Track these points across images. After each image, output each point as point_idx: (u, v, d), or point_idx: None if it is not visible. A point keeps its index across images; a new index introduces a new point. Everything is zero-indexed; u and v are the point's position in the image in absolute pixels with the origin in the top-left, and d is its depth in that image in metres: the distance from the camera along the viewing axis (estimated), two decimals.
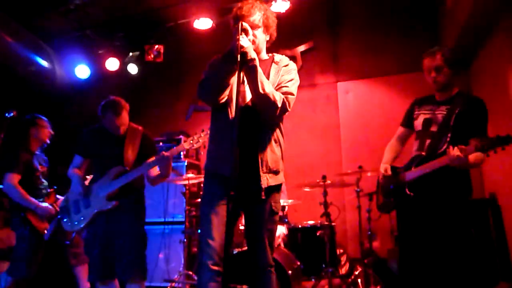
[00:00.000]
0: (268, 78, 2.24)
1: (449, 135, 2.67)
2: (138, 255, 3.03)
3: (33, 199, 3.50)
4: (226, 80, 2.18)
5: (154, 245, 4.70)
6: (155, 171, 3.15)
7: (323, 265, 3.89)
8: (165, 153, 2.94)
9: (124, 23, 5.78)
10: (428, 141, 2.76)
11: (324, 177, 4.12)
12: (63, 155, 3.82)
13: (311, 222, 4.13)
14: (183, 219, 4.65)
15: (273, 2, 4.84)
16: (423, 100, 2.95)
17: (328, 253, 3.90)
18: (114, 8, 5.51)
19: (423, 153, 2.75)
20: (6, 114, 3.24)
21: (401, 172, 2.87)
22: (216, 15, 5.32)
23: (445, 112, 2.74)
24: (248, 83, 2.16)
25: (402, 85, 5.15)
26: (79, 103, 6.13)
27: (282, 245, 3.95)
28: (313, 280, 3.89)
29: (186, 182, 4.37)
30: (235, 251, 3.42)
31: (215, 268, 2.10)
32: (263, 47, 2.38)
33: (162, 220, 4.89)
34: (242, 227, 3.58)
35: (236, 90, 1.93)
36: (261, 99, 2.13)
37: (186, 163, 5.11)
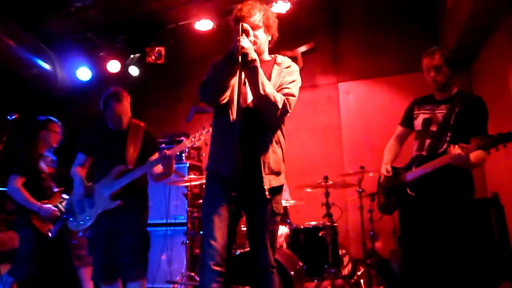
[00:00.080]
0: (269, 79, 2.24)
1: (449, 134, 2.67)
2: (140, 253, 3.04)
3: (36, 201, 3.52)
4: (227, 81, 2.18)
5: (156, 247, 4.70)
6: (158, 168, 3.15)
7: (326, 266, 3.89)
8: (167, 152, 2.94)
9: (125, 25, 5.80)
10: (428, 141, 2.76)
11: (325, 178, 4.11)
12: (64, 157, 3.84)
13: (313, 222, 4.12)
14: (185, 221, 4.65)
15: (273, 3, 4.85)
16: (423, 99, 2.95)
17: (330, 254, 3.90)
18: (115, 10, 5.51)
19: (424, 153, 2.75)
20: (8, 117, 3.26)
21: (401, 173, 2.87)
22: (217, 16, 5.33)
23: (445, 112, 2.74)
24: (249, 84, 2.16)
25: (403, 85, 5.15)
26: (81, 105, 6.15)
27: (284, 245, 3.95)
28: (315, 281, 3.89)
29: (188, 183, 4.37)
30: (237, 252, 3.42)
31: (217, 268, 2.10)
32: (265, 47, 2.38)
33: (164, 221, 4.89)
34: (244, 228, 3.58)
35: (237, 91, 1.94)
36: (262, 100, 2.13)
37: (188, 165, 5.12)
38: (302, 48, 5.80)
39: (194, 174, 4.85)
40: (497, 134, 2.33)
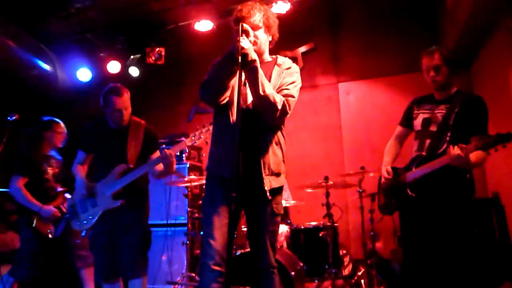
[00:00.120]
0: (269, 80, 2.24)
1: (448, 134, 2.66)
2: (142, 252, 3.07)
3: (37, 202, 3.53)
4: (227, 81, 2.18)
5: (157, 248, 4.70)
6: (160, 166, 3.16)
7: (326, 266, 3.89)
8: (168, 151, 2.94)
9: (125, 26, 5.80)
10: (428, 141, 2.75)
11: (326, 178, 4.11)
12: (65, 159, 3.84)
13: (313, 223, 4.12)
14: (185, 221, 4.65)
15: (273, 4, 4.85)
16: (422, 99, 2.94)
17: (331, 254, 3.90)
18: (115, 11, 5.52)
19: (424, 153, 2.74)
20: (8, 118, 3.26)
21: (402, 173, 2.86)
22: (217, 17, 5.33)
23: (444, 111, 2.73)
24: (248, 84, 2.16)
25: (403, 86, 5.15)
26: (81, 106, 6.16)
27: (285, 245, 3.94)
28: (316, 281, 3.89)
29: (188, 184, 4.37)
30: (238, 252, 3.42)
31: (217, 268, 2.10)
32: (265, 47, 2.38)
33: (165, 222, 4.89)
34: (244, 229, 3.58)
35: (237, 92, 1.93)
36: (261, 101, 2.13)
37: (188, 165, 5.11)
38: (302, 49, 5.81)
39: (194, 175, 4.85)
40: (496, 134, 2.32)
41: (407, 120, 3.02)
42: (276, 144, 2.29)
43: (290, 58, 2.49)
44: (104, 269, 3.05)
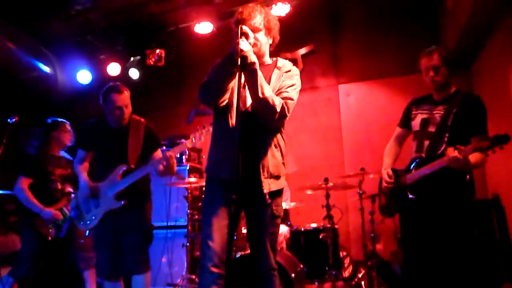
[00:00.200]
0: (269, 82, 2.24)
1: (447, 135, 2.65)
2: (144, 249, 3.10)
3: (38, 204, 3.56)
4: (226, 84, 2.18)
5: (157, 249, 4.70)
6: (161, 166, 3.16)
7: (326, 268, 3.88)
8: (168, 153, 2.95)
9: (125, 28, 5.81)
10: (426, 142, 2.74)
11: (326, 180, 4.11)
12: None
13: (314, 224, 4.12)
14: (185, 223, 4.65)
15: (273, 6, 4.85)
16: (421, 100, 2.93)
17: (331, 256, 3.89)
18: (115, 13, 5.53)
19: (423, 155, 2.73)
20: (8, 120, 3.27)
21: (402, 175, 2.86)
22: (217, 19, 5.34)
23: (442, 112, 2.72)
24: (248, 87, 2.16)
25: (403, 87, 5.14)
26: (81, 108, 6.15)
27: (285, 247, 3.94)
28: (316, 283, 3.88)
29: (188, 185, 4.37)
30: (238, 254, 3.42)
31: (215, 270, 2.10)
32: (266, 50, 2.38)
33: (165, 224, 4.89)
34: (244, 231, 3.57)
35: (237, 94, 1.93)
36: (260, 103, 2.13)
37: (188, 167, 5.11)
38: (302, 50, 5.81)
39: (194, 176, 4.85)
40: (494, 135, 2.31)
41: (406, 121, 3.01)
42: (276, 147, 2.28)
43: (290, 60, 2.49)
44: (107, 268, 3.07)
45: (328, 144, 5.53)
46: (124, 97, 3.13)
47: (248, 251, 3.27)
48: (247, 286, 3.01)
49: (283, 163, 2.34)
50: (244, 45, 2.04)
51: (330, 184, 4.12)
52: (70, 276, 3.91)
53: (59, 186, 3.73)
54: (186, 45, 5.93)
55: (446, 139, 2.65)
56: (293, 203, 4.21)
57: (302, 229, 4.07)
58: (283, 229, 3.98)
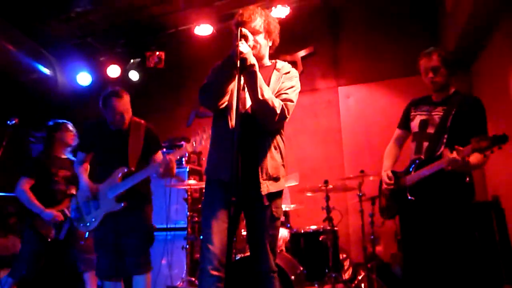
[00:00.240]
0: (268, 84, 2.24)
1: (445, 136, 2.65)
2: (145, 251, 3.11)
3: (40, 205, 3.58)
4: (226, 86, 2.19)
5: (157, 252, 4.69)
6: (160, 169, 3.17)
7: (326, 270, 3.88)
8: (169, 156, 2.96)
9: (125, 30, 5.82)
10: (425, 144, 2.73)
11: (326, 182, 4.11)
12: None
13: (313, 227, 4.12)
14: (185, 225, 4.64)
15: (273, 8, 4.86)
16: (420, 100, 2.93)
17: (331, 258, 3.89)
18: (115, 15, 5.54)
19: (422, 156, 2.73)
20: (8, 122, 3.28)
21: (401, 177, 2.86)
22: (217, 21, 5.35)
23: (441, 113, 2.71)
24: (247, 89, 2.16)
25: (403, 89, 5.14)
26: (81, 110, 6.14)
27: (284, 249, 3.94)
28: (316, 285, 3.88)
29: (187, 186, 4.37)
30: (238, 256, 3.41)
31: (215, 273, 2.10)
32: (265, 52, 2.39)
33: (165, 226, 4.88)
34: (244, 233, 3.57)
35: (236, 96, 1.94)
36: (260, 105, 2.13)
37: (188, 169, 5.11)
38: (302, 53, 5.81)
39: (194, 179, 4.84)
40: (493, 136, 2.31)
41: (405, 122, 3.00)
42: (275, 148, 2.28)
43: (289, 62, 2.50)
44: (108, 269, 3.08)
45: (328, 146, 5.54)
46: (124, 102, 3.14)
47: (248, 253, 3.28)
48: None
49: (283, 165, 2.34)
50: (243, 47, 2.05)
51: (330, 186, 4.12)
52: (70, 277, 3.91)
53: (63, 188, 3.74)
54: (186, 47, 5.93)
55: (445, 140, 2.64)
56: (293, 205, 4.21)
57: (302, 231, 4.08)
58: (283, 232, 3.97)
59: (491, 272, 3.64)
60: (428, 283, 2.64)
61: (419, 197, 2.71)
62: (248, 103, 2.23)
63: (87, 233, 3.42)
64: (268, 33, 2.32)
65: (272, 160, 2.25)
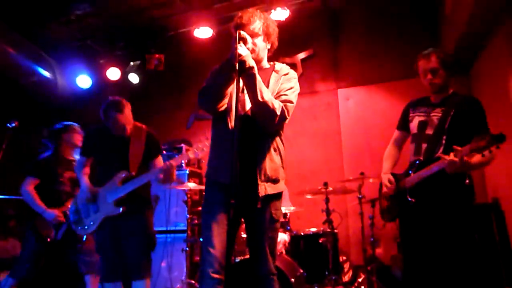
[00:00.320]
0: (267, 86, 2.25)
1: (444, 138, 2.64)
2: (145, 255, 3.10)
3: (42, 205, 3.61)
4: (225, 88, 2.19)
5: (157, 254, 4.67)
6: (161, 174, 3.17)
7: (326, 273, 3.88)
8: (169, 162, 2.96)
9: (125, 33, 5.83)
10: (424, 145, 2.73)
11: (326, 184, 4.11)
12: None
13: (313, 229, 4.12)
14: (185, 228, 4.64)
15: (272, 11, 4.87)
16: (418, 102, 2.92)
17: (331, 260, 3.89)
18: (115, 18, 5.55)
19: (421, 158, 2.73)
20: (8, 124, 3.29)
21: (401, 179, 2.85)
22: (216, 24, 5.36)
23: (440, 114, 2.71)
24: (247, 91, 2.17)
25: (403, 91, 5.14)
26: (81, 113, 6.14)
27: (284, 252, 3.93)
28: (316, 287, 3.87)
29: (187, 188, 4.37)
30: (237, 259, 3.41)
31: (216, 276, 2.10)
32: (264, 55, 2.40)
33: (164, 228, 4.88)
34: (244, 235, 3.57)
35: (236, 99, 1.94)
36: (260, 107, 2.14)
37: (188, 172, 5.11)
38: (302, 55, 5.83)
39: (194, 181, 4.85)
40: (491, 135, 2.29)
41: (403, 123, 2.99)
42: (275, 150, 2.28)
43: (289, 64, 2.51)
44: (108, 271, 3.09)
45: (328, 148, 5.54)
46: (126, 115, 3.17)
47: (248, 256, 3.27)
48: None
49: (283, 167, 2.34)
50: (242, 49, 2.06)
51: (330, 188, 4.12)
52: (70, 277, 3.92)
53: (68, 189, 3.76)
54: (185, 50, 5.95)
55: (444, 141, 2.64)
56: (292, 208, 4.21)
57: (302, 234, 4.07)
58: (282, 236, 3.97)
59: (491, 274, 3.63)
60: (428, 285, 2.63)
61: (419, 199, 2.71)
62: (248, 105, 2.24)
63: (84, 236, 3.43)
64: (267, 36, 2.34)
65: (271, 162, 2.25)
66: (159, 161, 3.25)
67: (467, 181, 2.66)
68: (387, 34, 5.45)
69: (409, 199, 2.72)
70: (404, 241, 2.92)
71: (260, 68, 2.26)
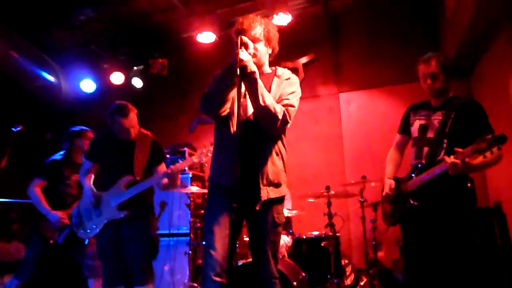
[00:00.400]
0: (269, 91, 2.27)
1: (445, 141, 2.65)
2: (147, 260, 3.12)
3: (47, 206, 3.64)
4: (227, 93, 2.21)
5: (159, 257, 4.65)
6: (164, 179, 3.21)
7: (328, 276, 3.88)
8: (173, 167, 2.99)
9: (128, 38, 5.88)
10: (426, 149, 2.73)
11: (327, 188, 4.12)
12: None
13: (315, 233, 4.13)
14: (188, 231, 4.65)
15: (274, 15, 4.90)
16: (419, 105, 2.94)
17: (333, 264, 3.89)
18: (118, 23, 5.59)
19: (423, 161, 2.74)
20: (13, 129, 3.31)
21: (403, 182, 2.86)
22: (219, 29, 5.40)
23: (440, 118, 2.72)
24: (248, 96, 2.19)
25: (404, 95, 5.15)
26: (85, 117, 6.19)
27: (286, 255, 3.94)
28: None
29: (189, 191, 4.38)
30: (240, 262, 3.42)
31: (218, 279, 2.11)
32: (265, 60, 2.42)
33: (167, 232, 4.90)
34: (246, 238, 3.59)
35: (237, 103, 1.96)
36: (262, 111, 2.15)
37: (190, 175, 5.13)
38: (303, 59, 5.85)
39: (196, 185, 4.86)
40: (491, 136, 2.30)
41: (405, 127, 3.01)
42: (277, 154, 2.30)
43: (291, 69, 2.53)
44: (109, 276, 3.10)
45: (329, 152, 5.55)
46: (131, 119, 3.20)
47: (250, 259, 3.28)
48: None
49: (285, 171, 2.35)
50: (243, 55, 2.08)
51: (332, 192, 4.13)
52: (73, 280, 3.93)
53: (74, 192, 3.79)
54: (188, 55, 5.99)
55: (445, 145, 2.65)
56: (294, 211, 4.22)
57: (304, 237, 4.08)
58: (284, 239, 3.98)
59: (493, 278, 3.63)
60: None
61: (421, 203, 2.71)
62: (250, 110, 2.26)
63: (86, 240, 3.44)
64: (268, 41, 2.36)
65: (273, 165, 2.26)
66: (163, 168, 3.29)
67: (469, 184, 2.67)
68: (388, 38, 5.46)
69: (412, 202, 2.73)
70: (406, 244, 2.92)
71: (261, 73, 2.28)
